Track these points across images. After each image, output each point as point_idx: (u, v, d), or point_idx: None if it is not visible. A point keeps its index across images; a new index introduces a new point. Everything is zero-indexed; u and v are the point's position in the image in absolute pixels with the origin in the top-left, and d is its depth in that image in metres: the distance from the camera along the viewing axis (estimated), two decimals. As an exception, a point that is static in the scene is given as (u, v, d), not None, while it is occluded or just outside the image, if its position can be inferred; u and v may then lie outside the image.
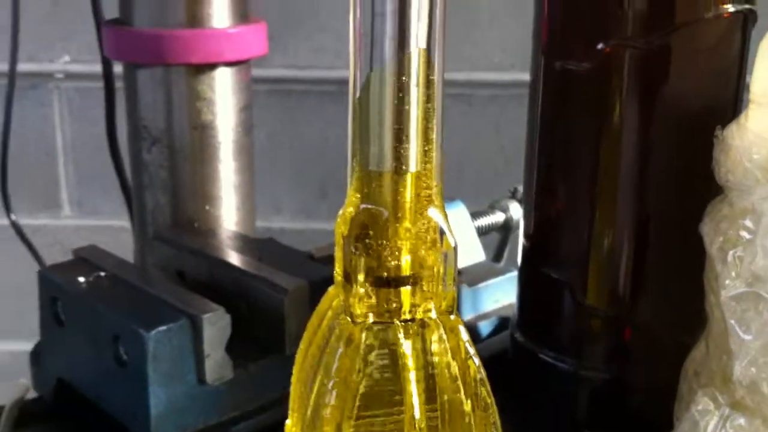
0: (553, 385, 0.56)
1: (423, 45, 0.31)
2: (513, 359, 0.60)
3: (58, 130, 1.18)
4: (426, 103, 0.31)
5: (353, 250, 0.32)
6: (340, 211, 0.33)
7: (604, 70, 0.52)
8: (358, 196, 0.32)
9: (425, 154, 0.32)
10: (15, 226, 0.97)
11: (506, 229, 0.79)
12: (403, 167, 0.31)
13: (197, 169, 0.69)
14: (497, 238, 0.81)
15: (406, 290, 0.31)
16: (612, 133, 0.53)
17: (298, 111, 1.18)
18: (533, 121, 0.58)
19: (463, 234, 0.70)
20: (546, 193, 0.58)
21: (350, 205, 0.33)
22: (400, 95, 0.31)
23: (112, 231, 1.21)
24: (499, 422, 0.31)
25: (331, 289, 0.34)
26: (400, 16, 0.31)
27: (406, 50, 0.31)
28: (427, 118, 0.32)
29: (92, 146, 1.15)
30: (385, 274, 0.31)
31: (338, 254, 0.33)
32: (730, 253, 0.45)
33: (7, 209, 0.97)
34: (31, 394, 0.58)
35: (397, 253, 0.31)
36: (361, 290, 0.31)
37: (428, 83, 0.31)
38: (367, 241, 0.31)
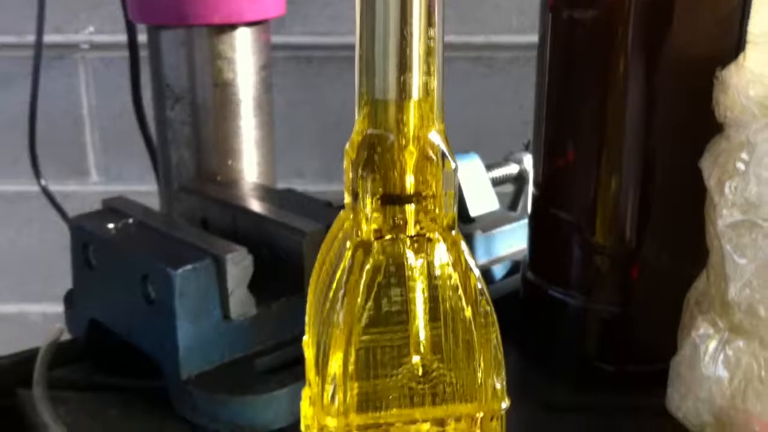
0: (563, 320, 0.59)
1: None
2: (525, 298, 0.62)
3: (84, 99, 1.21)
4: (427, 34, 0.34)
5: (360, 173, 0.34)
6: (350, 139, 0.36)
7: (609, 17, 0.54)
8: (365, 123, 0.35)
9: (427, 83, 0.34)
10: (45, 191, 1.00)
11: (520, 180, 0.81)
12: (406, 95, 0.34)
13: (219, 125, 0.71)
14: (512, 190, 0.83)
15: (410, 207, 0.33)
16: (617, 81, 0.55)
17: (317, 77, 1.20)
18: (542, 74, 0.60)
19: (478, 184, 0.72)
20: (554, 141, 0.60)
21: (358, 132, 0.35)
22: (403, 24, 0.33)
23: (138, 195, 1.24)
24: (498, 329, 0.34)
25: (341, 213, 0.36)
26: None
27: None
28: (428, 50, 0.34)
29: (117, 114, 1.18)
30: (391, 192, 0.34)
31: (347, 177, 0.35)
32: (727, 184, 0.47)
33: (37, 175, 1.00)
34: (66, 336, 0.61)
35: (401, 173, 0.34)
36: (368, 208, 0.33)
37: (429, 14, 0.33)
38: (373, 163, 0.34)
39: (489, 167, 0.78)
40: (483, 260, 0.66)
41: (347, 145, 0.35)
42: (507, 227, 0.68)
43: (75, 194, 1.21)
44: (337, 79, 1.20)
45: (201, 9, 0.68)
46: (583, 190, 0.57)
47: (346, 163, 0.35)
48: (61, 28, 1.18)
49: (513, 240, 0.68)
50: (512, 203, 0.81)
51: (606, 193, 0.56)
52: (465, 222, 0.68)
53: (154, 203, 0.79)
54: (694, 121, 0.54)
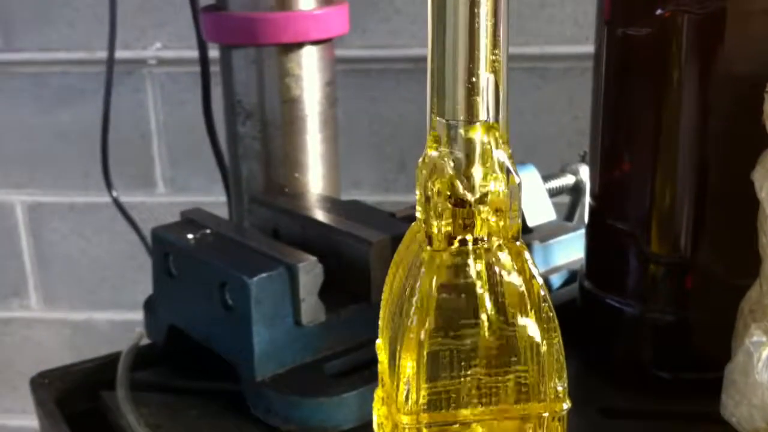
0: (619, 328, 0.61)
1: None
2: (582, 306, 0.64)
3: (152, 113, 1.25)
4: (494, 57, 0.36)
5: (431, 186, 0.37)
6: (421, 157, 0.38)
7: (663, 34, 0.56)
8: (436, 142, 0.37)
9: (494, 105, 0.37)
10: (116, 202, 1.05)
11: (577, 190, 0.83)
12: (474, 117, 0.36)
13: (287, 140, 0.75)
14: (568, 201, 0.85)
15: (478, 211, 0.36)
16: (671, 94, 0.57)
17: (375, 89, 1.23)
18: (597, 87, 0.62)
19: (535, 195, 0.75)
20: (611, 153, 0.62)
21: (429, 149, 0.38)
22: (471, 49, 0.36)
23: (203, 206, 1.28)
24: (560, 334, 0.36)
25: (413, 225, 0.39)
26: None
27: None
28: (495, 72, 0.36)
29: (183, 128, 1.22)
30: (460, 196, 0.36)
31: (419, 191, 0.38)
32: (779, 196, 0.49)
33: (109, 187, 1.04)
34: (145, 341, 0.65)
35: (469, 182, 0.36)
36: (439, 210, 0.36)
37: (495, 41, 0.36)
38: (443, 177, 0.37)
39: (546, 178, 0.80)
40: (541, 269, 0.68)
41: (419, 161, 0.38)
42: (564, 237, 0.70)
43: (142, 205, 1.25)
44: (394, 91, 1.23)
45: (271, 29, 0.71)
46: (638, 200, 0.59)
47: (418, 178, 0.38)
48: (129, 44, 1.22)
49: (570, 250, 0.71)
50: (569, 214, 0.83)
51: (661, 203, 0.58)
52: (523, 232, 0.70)
53: (220, 213, 0.83)
54: (748, 133, 0.56)
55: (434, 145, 0.37)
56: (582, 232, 0.67)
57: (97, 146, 1.01)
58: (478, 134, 0.37)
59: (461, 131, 0.37)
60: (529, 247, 0.68)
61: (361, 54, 1.21)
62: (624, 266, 0.60)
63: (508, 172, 0.36)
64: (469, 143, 0.37)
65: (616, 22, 0.59)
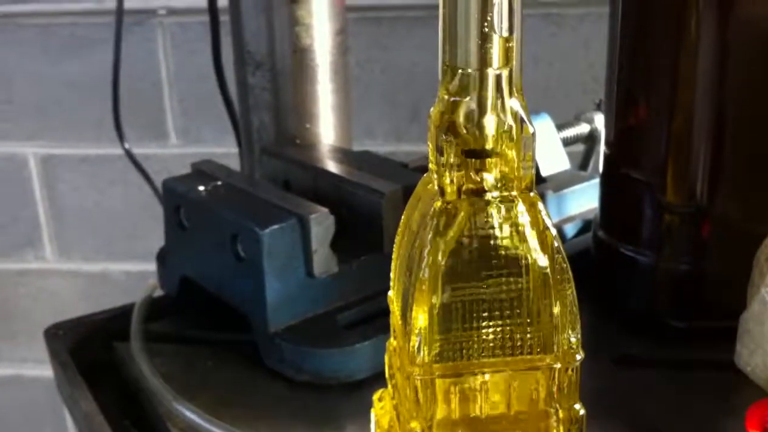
0: (634, 278, 0.60)
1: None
2: (596, 256, 0.64)
3: (163, 64, 1.24)
4: (508, 3, 0.35)
5: (444, 137, 0.36)
6: (433, 107, 0.38)
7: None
8: (448, 90, 0.37)
9: (506, 53, 0.36)
10: (129, 154, 1.04)
11: (591, 139, 0.82)
12: (487, 65, 0.36)
13: (298, 90, 0.74)
14: (583, 150, 0.84)
15: (490, 161, 0.36)
16: (689, 38, 0.55)
17: (388, 37, 1.21)
18: (614, 33, 0.61)
19: (549, 144, 0.74)
20: (627, 100, 0.61)
21: (441, 98, 0.37)
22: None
23: (216, 157, 1.27)
24: (573, 285, 0.36)
25: (425, 176, 0.39)
26: None
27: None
28: (509, 20, 0.35)
29: (194, 78, 1.21)
30: (473, 147, 0.36)
31: (431, 142, 0.37)
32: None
33: (121, 138, 1.04)
34: (159, 293, 0.65)
35: (482, 131, 0.36)
36: (451, 160, 0.36)
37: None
38: (456, 128, 0.36)
39: (560, 127, 0.79)
40: (555, 219, 0.68)
41: (431, 111, 0.38)
42: (578, 187, 0.70)
43: (155, 156, 1.25)
44: (406, 39, 1.21)
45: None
46: (655, 148, 0.58)
47: (430, 128, 0.37)
48: (137, -5, 1.21)
49: (584, 199, 0.70)
50: (583, 163, 0.82)
51: (678, 150, 0.57)
52: (537, 182, 0.69)
53: (232, 164, 0.82)
54: (765, 79, 0.55)
55: (446, 94, 0.37)
56: (596, 181, 0.67)
57: (109, 97, 1.01)
58: (490, 82, 0.36)
59: (473, 79, 0.36)
60: (543, 196, 0.67)
61: (372, 2, 1.20)
62: (639, 215, 0.60)
63: (521, 121, 0.35)
64: (482, 92, 0.36)
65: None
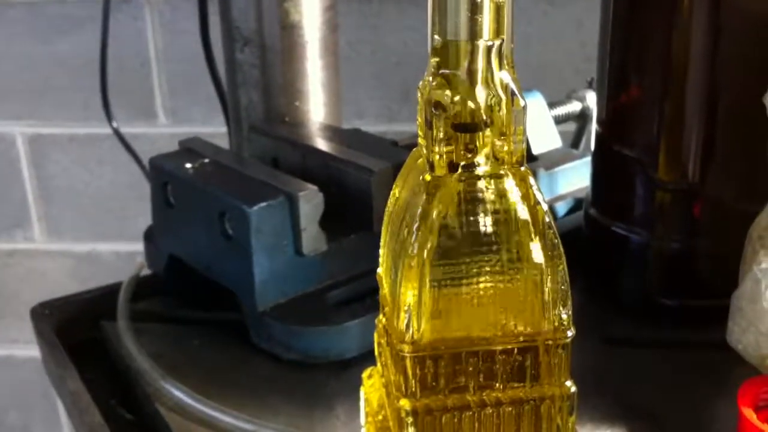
0: (625, 256, 0.60)
1: None
2: (588, 235, 0.63)
3: (151, 42, 1.23)
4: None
5: (432, 110, 0.35)
6: (422, 80, 0.37)
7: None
8: (437, 64, 0.36)
9: (497, 25, 0.35)
10: (117, 133, 1.03)
11: (583, 117, 0.81)
12: (477, 36, 0.35)
13: (287, 67, 0.73)
14: (575, 128, 0.83)
15: (480, 135, 0.35)
16: (682, 14, 0.55)
17: (377, 17, 1.21)
18: (607, 13, 0.60)
19: (540, 122, 0.73)
20: (619, 78, 0.60)
21: (430, 71, 0.36)
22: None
23: (204, 137, 1.27)
24: (564, 261, 0.35)
25: (414, 151, 0.38)
26: None
27: None
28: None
29: (183, 57, 1.20)
30: (462, 121, 0.35)
31: (420, 115, 0.37)
32: (791, 119, 0.47)
33: (109, 118, 1.02)
34: (146, 272, 0.64)
35: (472, 104, 0.35)
36: (440, 135, 0.35)
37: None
38: (444, 100, 0.35)
39: (552, 105, 0.78)
40: (546, 197, 0.67)
41: (420, 84, 0.37)
42: (569, 165, 0.69)
43: (143, 136, 1.24)
44: (397, 19, 1.20)
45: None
46: (646, 126, 0.58)
47: (419, 102, 0.37)
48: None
49: (575, 177, 0.69)
50: (575, 141, 0.82)
51: (670, 128, 0.57)
52: (528, 160, 0.69)
53: (221, 144, 0.82)
54: (760, 55, 0.54)
55: (435, 66, 0.36)
56: (588, 159, 0.66)
57: (97, 76, 1.00)
58: (480, 54, 0.35)
59: (464, 51, 0.35)
60: (534, 175, 0.66)
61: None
62: (631, 193, 0.59)
63: (512, 94, 0.35)
64: (472, 64, 0.35)
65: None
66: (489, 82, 0.35)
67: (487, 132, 0.35)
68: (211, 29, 0.85)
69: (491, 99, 0.35)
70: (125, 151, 1.04)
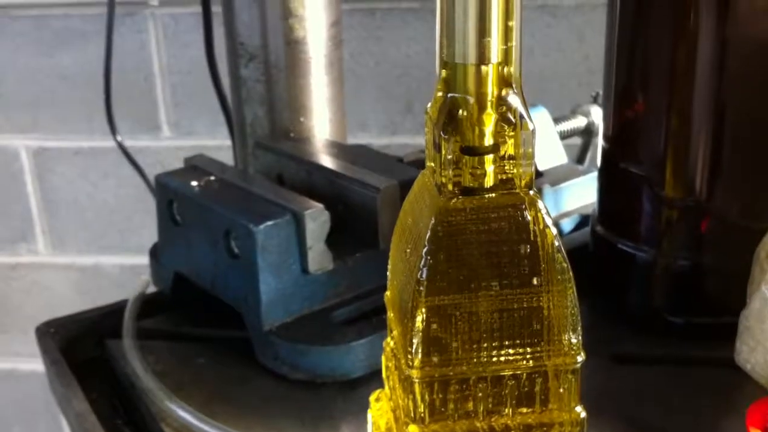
0: (632, 273, 0.60)
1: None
2: (594, 252, 0.63)
3: (155, 55, 1.23)
4: (506, 1, 0.35)
5: (442, 134, 0.35)
6: (431, 102, 0.37)
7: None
8: (446, 86, 0.36)
9: (506, 47, 0.35)
10: (121, 147, 1.03)
11: (588, 133, 0.81)
12: (486, 59, 0.35)
13: (291, 83, 0.73)
14: (580, 143, 0.83)
15: (489, 158, 0.35)
16: (688, 29, 0.55)
17: (381, 29, 1.21)
18: (612, 24, 0.60)
19: (546, 138, 0.73)
20: (624, 93, 0.60)
21: (438, 94, 0.36)
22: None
23: (208, 150, 1.26)
24: (574, 286, 0.35)
25: (423, 173, 0.38)
26: None
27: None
28: (507, 13, 0.35)
29: (187, 69, 1.20)
30: (470, 144, 0.35)
31: (428, 138, 0.37)
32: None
33: (113, 131, 1.03)
34: (152, 289, 0.64)
35: (480, 132, 0.35)
36: (449, 158, 0.35)
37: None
38: (454, 124, 0.35)
39: (557, 120, 0.78)
40: (552, 214, 0.67)
41: (428, 107, 0.37)
42: (575, 181, 0.69)
43: (147, 149, 1.24)
44: (400, 31, 1.20)
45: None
46: (653, 142, 0.58)
47: (427, 124, 0.37)
48: (130, -16, 1.20)
49: (581, 194, 0.69)
50: (580, 156, 0.82)
51: (676, 144, 0.57)
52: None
53: (225, 157, 0.81)
54: (766, 72, 0.54)
55: (443, 89, 0.36)
56: (594, 175, 0.66)
57: (100, 89, 1.00)
58: (489, 78, 0.35)
59: (472, 74, 0.35)
60: (540, 191, 0.66)
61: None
62: (637, 210, 0.59)
63: (521, 117, 0.35)
64: (481, 88, 0.35)
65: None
66: (498, 105, 0.35)
67: (496, 156, 0.35)
68: (216, 44, 0.85)
69: (500, 123, 0.35)
70: (129, 164, 1.04)
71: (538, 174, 0.69)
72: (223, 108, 0.85)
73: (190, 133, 1.25)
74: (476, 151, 0.35)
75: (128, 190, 1.24)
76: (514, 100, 0.35)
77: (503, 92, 0.35)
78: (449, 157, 0.35)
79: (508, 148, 0.35)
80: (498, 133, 0.35)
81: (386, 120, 1.25)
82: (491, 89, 0.35)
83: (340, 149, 0.68)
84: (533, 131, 0.35)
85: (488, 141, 0.35)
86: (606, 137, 0.62)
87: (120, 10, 1.13)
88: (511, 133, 0.35)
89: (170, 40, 1.22)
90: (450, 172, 0.35)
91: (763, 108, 0.54)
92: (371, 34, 1.21)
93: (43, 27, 1.21)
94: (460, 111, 0.35)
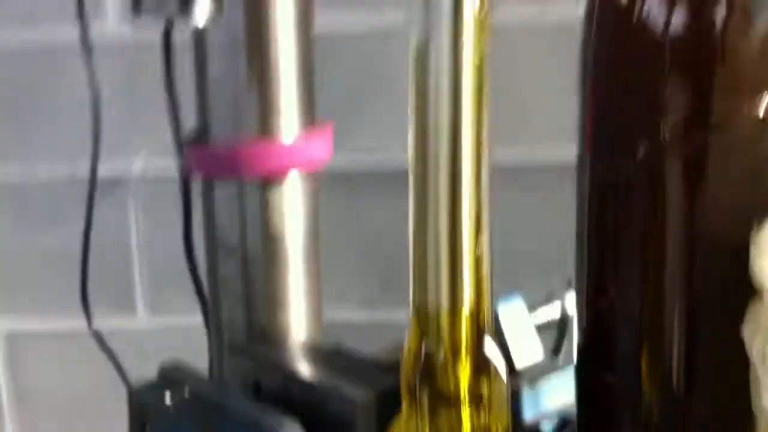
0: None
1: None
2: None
3: (133, 232, 1.24)
4: (477, 244, 0.35)
5: (417, 383, 0.35)
6: (405, 344, 0.37)
7: (646, 171, 0.55)
8: (419, 332, 0.36)
9: (478, 293, 0.36)
10: (96, 335, 1.02)
11: (563, 320, 0.81)
12: (457, 306, 0.35)
13: (269, 277, 0.73)
14: (556, 331, 0.83)
15: (465, 411, 0.35)
16: (656, 233, 0.55)
17: (358, 200, 1.22)
18: (581, 220, 0.61)
19: (522, 331, 0.73)
20: (596, 289, 0.60)
21: (412, 340, 0.37)
22: (453, 239, 0.35)
23: (185, 330, 1.25)
24: None
25: (397, 421, 0.38)
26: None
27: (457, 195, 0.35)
28: (478, 261, 0.35)
29: (164, 247, 1.20)
30: (445, 394, 0.35)
31: (403, 384, 0.37)
32: (770, 357, 0.47)
33: (89, 319, 1.01)
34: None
35: (455, 382, 0.35)
36: (424, 407, 0.35)
37: (478, 224, 0.35)
38: (428, 372, 0.35)
39: (532, 308, 0.78)
40: (531, 416, 0.66)
41: (404, 351, 0.37)
42: (554, 379, 0.69)
43: (121, 332, 1.23)
44: (377, 197, 1.22)
45: (252, 161, 0.70)
46: (626, 343, 0.57)
47: (402, 370, 0.37)
48: (110, 161, 1.21)
49: (560, 391, 0.69)
50: (556, 346, 0.81)
51: (650, 351, 0.57)
52: (510, 374, 0.68)
53: (200, 338, 0.81)
54: (736, 277, 0.55)
55: (417, 336, 0.36)
56: (572, 370, 0.65)
57: (77, 268, 1.00)
58: (463, 325, 0.35)
59: (445, 322, 0.35)
60: (518, 392, 0.66)
61: (342, 165, 1.21)
62: (615, 417, 0.58)
63: (495, 370, 0.35)
64: (454, 335, 0.35)
65: (597, 156, 0.58)
66: (472, 352, 0.35)
67: (472, 404, 0.35)
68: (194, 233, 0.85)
69: (475, 372, 0.35)
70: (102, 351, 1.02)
71: (515, 373, 0.69)
72: (201, 303, 0.85)
73: (166, 311, 1.24)
74: (451, 402, 0.35)
75: (99, 379, 1.22)
76: (489, 347, 0.36)
77: (478, 340, 0.35)
78: (424, 408, 0.35)
79: (484, 398, 0.35)
80: (473, 383, 0.35)
81: (365, 292, 1.25)
82: (464, 336, 0.35)
83: (317, 353, 0.67)
84: (508, 384, 0.35)
85: (463, 389, 0.35)
86: (580, 329, 0.62)
87: (101, 188, 1.14)
88: (486, 383, 0.35)
89: (149, 216, 1.24)
90: (425, 420, 0.35)
91: (735, 316, 0.54)
92: (348, 205, 1.22)
93: (23, 205, 1.23)
94: (435, 358, 0.35)
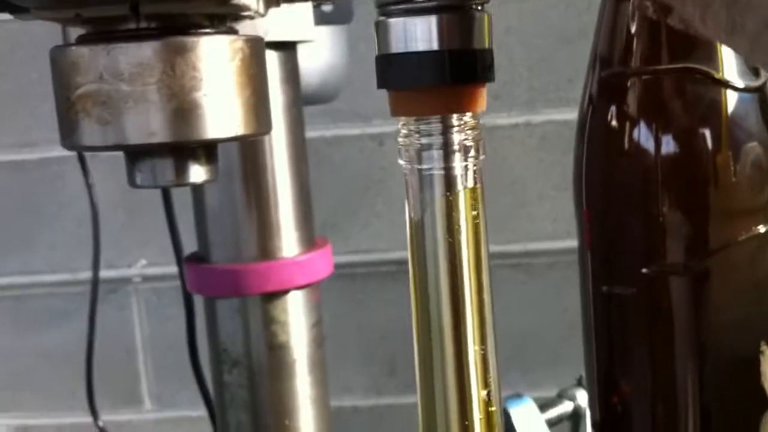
0: None
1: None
2: None
3: (137, 329, 1.24)
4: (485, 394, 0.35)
5: None
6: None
7: (649, 293, 0.55)
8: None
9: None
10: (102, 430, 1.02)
11: (576, 416, 0.81)
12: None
13: (275, 387, 0.73)
14: (569, 428, 0.83)
15: None
16: (662, 353, 0.55)
17: (361, 293, 1.23)
18: (587, 320, 0.61)
19: (534, 430, 0.73)
20: (606, 385, 0.60)
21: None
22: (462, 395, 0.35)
23: (191, 422, 1.26)
24: None
25: None
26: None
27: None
28: (488, 414, 0.36)
29: (168, 343, 1.21)
30: None
31: None
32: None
33: (94, 416, 1.01)
34: None
35: None
36: None
37: (485, 374, 0.35)
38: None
39: (543, 407, 0.78)
40: None
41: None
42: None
43: (129, 424, 1.22)
44: (379, 294, 1.23)
45: (254, 280, 0.71)
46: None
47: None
48: (113, 263, 1.23)
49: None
50: (569, 442, 0.81)
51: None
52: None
53: (206, 429, 0.80)
54: (744, 392, 0.54)
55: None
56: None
57: (82, 366, 0.99)
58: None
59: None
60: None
61: (344, 260, 1.22)
62: None
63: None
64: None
65: (599, 280, 0.59)
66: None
67: None
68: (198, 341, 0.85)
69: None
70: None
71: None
72: (208, 409, 0.85)
73: (172, 405, 1.24)
74: None
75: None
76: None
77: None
78: None
79: None
80: None
81: (370, 382, 1.25)
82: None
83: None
84: None
85: None
86: (594, 424, 0.62)
87: (103, 287, 1.15)
88: None
89: (152, 313, 1.24)
90: None
91: (746, 411, 0.54)
92: (352, 297, 1.23)
93: (24, 307, 1.23)
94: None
